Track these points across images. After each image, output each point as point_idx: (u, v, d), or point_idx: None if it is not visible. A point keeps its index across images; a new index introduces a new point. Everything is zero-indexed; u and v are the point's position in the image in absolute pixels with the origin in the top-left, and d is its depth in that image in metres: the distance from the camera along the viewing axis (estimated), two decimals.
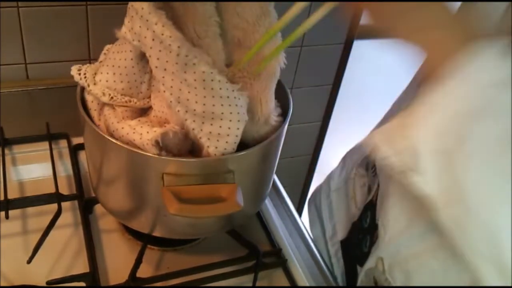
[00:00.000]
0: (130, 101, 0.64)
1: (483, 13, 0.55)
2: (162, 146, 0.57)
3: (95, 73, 0.65)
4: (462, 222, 0.36)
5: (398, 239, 0.63)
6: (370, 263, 0.68)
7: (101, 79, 0.63)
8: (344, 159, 0.84)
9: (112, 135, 0.61)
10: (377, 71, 1.35)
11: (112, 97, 0.63)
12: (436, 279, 0.59)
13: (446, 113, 0.35)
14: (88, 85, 0.64)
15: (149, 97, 0.65)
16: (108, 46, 0.70)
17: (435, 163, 0.35)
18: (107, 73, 0.63)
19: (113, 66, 0.63)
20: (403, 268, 0.63)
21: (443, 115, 0.35)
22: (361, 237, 0.73)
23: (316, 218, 0.88)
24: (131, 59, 0.62)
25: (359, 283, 0.73)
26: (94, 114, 0.64)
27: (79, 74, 0.65)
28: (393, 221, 0.64)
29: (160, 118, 0.63)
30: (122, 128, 0.60)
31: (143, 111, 0.66)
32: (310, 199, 0.91)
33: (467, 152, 0.34)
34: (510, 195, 0.33)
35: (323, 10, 0.48)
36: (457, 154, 0.34)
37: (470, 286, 0.37)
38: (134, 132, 0.59)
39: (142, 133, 0.58)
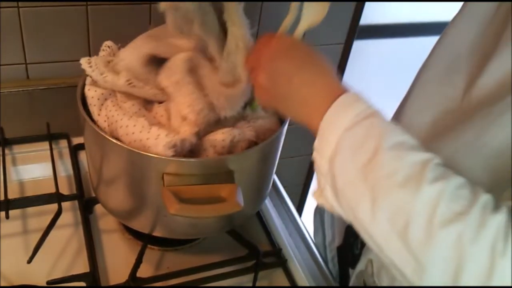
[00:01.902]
0: (144, 87, 0.64)
1: (473, 13, 0.56)
2: (177, 150, 0.57)
3: (109, 61, 0.66)
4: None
5: None
6: (361, 265, 0.69)
7: (124, 59, 0.64)
8: None
9: (114, 131, 0.61)
10: (377, 71, 1.35)
11: (128, 80, 0.64)
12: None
13: (324, 167, 0.47)
14: (102, 73, 0.64)
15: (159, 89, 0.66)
16: (107, 43, 0.70)
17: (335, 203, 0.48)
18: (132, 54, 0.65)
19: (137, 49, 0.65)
20: (389, 271, 0.63)
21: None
22: (353, 240, 0.74)
23: (320, 225, 0.89)
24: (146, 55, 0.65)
25: (350, 286, 0.73)
26: (94, 109, 0.64)
27: (90, 66, 0.66)
28: None
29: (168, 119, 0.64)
30: (134, 125, 0.59)
31: (148, 106, 0.66)
32: (315, 207, 0.92)
33: (340, 188, 0.46)
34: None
35: None
36: (337, 191, 0.47)
37: None
38: (148, 132, 0.58)
39: (160, 134, 0.58)
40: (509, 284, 0.37)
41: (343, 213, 0.47)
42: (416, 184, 0.41)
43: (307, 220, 0.90)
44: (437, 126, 0.56)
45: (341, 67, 1.19)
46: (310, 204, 1.49)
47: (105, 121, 0.63)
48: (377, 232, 0.43)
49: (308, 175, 1.41)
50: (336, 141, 0.46)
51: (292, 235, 0.82)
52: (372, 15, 1.18)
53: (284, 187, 0.91)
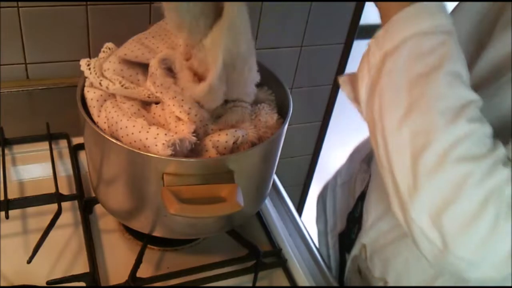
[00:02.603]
0: (136, 88, 0.65)
1: (470, 6, 0.58)
2: (175, 149, 0.57)
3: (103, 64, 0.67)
4: (379, 140, 0.46)
5: (377, 225, 0.64)
6: (355, 250, 0.70)
7: (109, 68, 0.65)
8: (351, 155, 0.86)
9: (114, 132, 0.61)
10: None
11: (121, 83, 0.64)
12: (409, 266, 0.60)
13: (375, 58, 0.46)
14: (98, 77, 0.65)
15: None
16: (108, 44, 0.70)
17: (365, 94, 0.47)
18: (115, 62, 0.65)
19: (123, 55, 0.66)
20: (381, 255, 0.64)
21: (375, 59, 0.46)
22: (351, 226, 0.75)
23: (322, 212, 0.89)
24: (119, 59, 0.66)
25: (346, 271, 0.74)
26: (94, 111, 0.64)
27: (89, 68, 0.66)
28: (374, 207, 0.66)
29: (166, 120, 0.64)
30: (133, 126, 0.60)
31: (147, 107, 0.66)
32: (319, 193, 0.92)
33: (381, 86, 0.45)
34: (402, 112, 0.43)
35: None
36: (375, 86, 0.45)
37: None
38: (148, 132, 0.58)
39: (159, 134, 0.58)
40: (485, 235, 0.40)
41: (364, 109, 0.47)
42: (454, 116, 0.41)
43: (307, 220, 0.90)
44: None
45: (341, 67, 1.19)
46: (310, 204, 1.49)
47: (105, 122, 0.63)
48: (394, 141, 0.44)
49: (308, 175, 1.41)
50: (402, 38, 0.44)
51: (292, 235, 0.82)
52: (372, 15, 1.18)
53: (284, 187, 0.91)
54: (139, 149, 0.58)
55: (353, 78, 0.49)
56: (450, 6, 0.63)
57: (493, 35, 0.53)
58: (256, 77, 0.65)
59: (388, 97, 0.44)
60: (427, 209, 0.42)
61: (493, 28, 0.53)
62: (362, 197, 0.74)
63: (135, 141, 0.59)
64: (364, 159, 0.78)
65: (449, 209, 0.41)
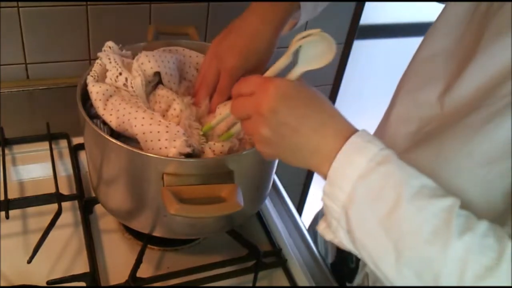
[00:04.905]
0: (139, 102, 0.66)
1: (451, 17, 0.56)
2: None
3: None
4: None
5: None
6: (358, 279, 0.69)
7: (144, 63, 0.66)
8: None
9: (126, 122, 0.62)
10: (377, 71, 1.36)
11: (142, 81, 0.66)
12: None
13: (337, 212, 0.45)
14: (120, 67, 0.67)
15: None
16: (108, 43, 0.70)
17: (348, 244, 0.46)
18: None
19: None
20: (383, 284, 0.63)
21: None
22: (345, 254, 0.74)
23: (313, 242, 0.89)
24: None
25: None
26: (99, 104, 0.64)
27: (109, 58, 0.67)
28: None
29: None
30: (143, 118, 0.61)
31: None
32: (309, 225, 0.91)
33: (359, 239, 0.44)
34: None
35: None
36: (354, 238, 0.45)
37: None
38: (159, 125, 0.60)
39: (179, 131, 0.59)
40: None
41: (358, 255, 0.46)
42: (444, 239, 0.39)
43: (307, 220, 0.90)
44: (421, 134, 0.55)
45: (341, 67, 1.19)
46: (310, 204, 1.49)
47: (111, 114, 0.63)
48: (403, 284, 0.42)
49: (308, 175, 1.41)
50: (350, 188, 0.43)
51: (292, 235, 0.82)
52: (372, 15, 1.18)
53: (284, 187, 0.91)
54: (152, 140, 0.59)
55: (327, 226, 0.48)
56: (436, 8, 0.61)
57: (477, 52, 0.49)
58: None
59: (371, 247, 0.43)
60: None
61: (475, 45, 0.50)
62: None
63: (143, 133, 0.60)
64: None
65: None
